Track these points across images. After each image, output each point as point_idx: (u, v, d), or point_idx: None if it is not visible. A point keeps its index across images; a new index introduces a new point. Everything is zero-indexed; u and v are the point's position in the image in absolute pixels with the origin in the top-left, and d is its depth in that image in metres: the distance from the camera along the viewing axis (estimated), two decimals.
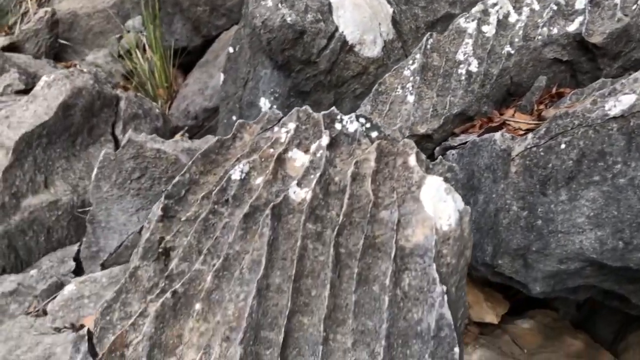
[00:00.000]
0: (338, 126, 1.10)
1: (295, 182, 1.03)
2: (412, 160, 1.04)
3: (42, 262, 2.87)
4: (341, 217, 0.98)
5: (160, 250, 1.06)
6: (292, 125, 1.09)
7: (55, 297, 2.42)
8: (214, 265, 1.02)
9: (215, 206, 1.05)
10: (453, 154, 1.79)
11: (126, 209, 2.12)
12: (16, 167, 2.83)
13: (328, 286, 0.94)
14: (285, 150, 1.07)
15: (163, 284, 1.04)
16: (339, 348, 0.96)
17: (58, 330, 1.99)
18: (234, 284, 0.99)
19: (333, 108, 1.10)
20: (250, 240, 1.02)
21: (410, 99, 1.87)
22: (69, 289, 2.01)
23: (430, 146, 1.91)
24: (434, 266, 0.96)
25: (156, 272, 1.06)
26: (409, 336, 0.97)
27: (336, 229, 0.97)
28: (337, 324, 0.97)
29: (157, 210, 1.08)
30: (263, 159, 1.08)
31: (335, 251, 0.97)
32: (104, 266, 2.24)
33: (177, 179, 1.08)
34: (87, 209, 2.67)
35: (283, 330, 0.96)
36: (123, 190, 2.08)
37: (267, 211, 0.99)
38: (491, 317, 2.18)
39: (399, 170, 1.04)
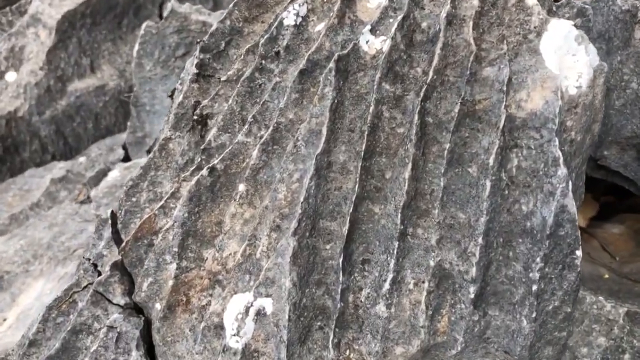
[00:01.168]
0: None
1: (368, 27, 0.76)
2: None
3: (90, 150, 2.76)
4: (430, 75, 0.72)
5: (195, 117, 0.84)
6: None
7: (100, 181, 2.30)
8: (261, 137, 0.79)
9: (263, 61, 0.80)
10: None
11: (171, 90, 1.91)
12: (60, 48, 2.64)
13: (409, 166, 0.70)
14: None
15: (199, 159, 0.82)
16: (419, 245, 0.74)
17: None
18: (286, 160, 0.76)
19: None
20: (307, 105, 0.78)
21: None
22: (113, 175, 1.87)
23: None
24: (556, 142, 0.70)
25: (191, 145, 0.84)
26: (514, 234, 0.73)
27: (422, 91, 0.71)
28: (419, 215, 0.74)
29: (190, 67, 0.85)
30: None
31: (420, 120, 0.71)
32: (149, 152, 2.07)
33: (214, 26, 0.83)
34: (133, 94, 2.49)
35: (348, 220, 0.74)
36: (167, 69, 1.86)
37: (331, 65, 0.74)
38: (578, 220, 1.91)
39: (511, 11, 0.75)
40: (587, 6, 0.75)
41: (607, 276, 1.65)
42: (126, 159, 2.69)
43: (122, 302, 0.83)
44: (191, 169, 0.83)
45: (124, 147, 2.74)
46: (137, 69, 1.85)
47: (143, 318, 0.82)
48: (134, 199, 0.86)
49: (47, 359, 0.84)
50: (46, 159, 2.75)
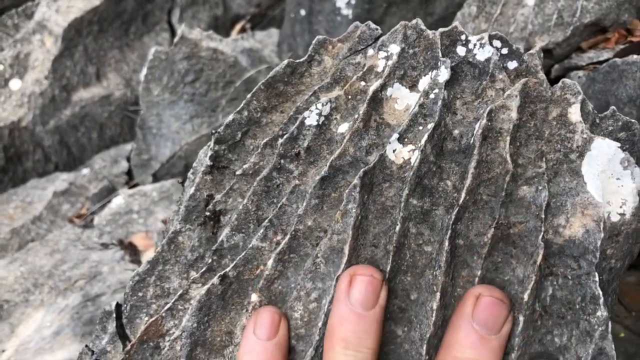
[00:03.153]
0: (461, 51, 0.75)
1: (395, 136, 0.71)
2: (574, 113, 0.70)
3: (94, 161, 2.71)
4: (462, 196, 0.67)
5: (207, 213, 0.79)
6: (394, 49, 0.75)
7: (104, 205, 2.26)
8: (277, 243, 0.75)
9: (282, 161, 0.75)
10: (580, 77, 1.40)
11: (179, 115, 1.87)
12: (66, 56, 2.60)
13: (437, 295, 0.66)
14: (384, 86, 0.75)
15: (210, 260, 0.78)
16: None
17: (105, 246, 1.84)
18: (305, 277, 0.71)
19: (455, 25, 0.75)
20: (328, 212, 0.73)
21: (530, 1, 1.46)
22: (117, 202, 1.82)
23: (546, 63, 1.52)
24: (596, 277, 0.65)
25: (202, 242, 0.80)
26: None
27: (454, 214, 0.66)
28: None
29: (204, 158, 0.80)
30: (350, 97, 0.76)
31: (450, 245, 0.67)
32: (155, 176, 2.03)
33: (231, 117, 0.78)
34: (138, 108, 2.44)
35: None
36: (175, 94, 1.81)
37: (356, 181, 0.69)
38: None
39: (552, 125, 0.70)
40: (633, 120, 0.69)
41: (622, 335, 1.60)
42: (130, 172, 2.65)
43: None
44: (202, 269, 0.78)
45: (128, 159, 2.70)
46: (144, 92, 1.80)
47: None
48: (140, 294, 0.82)
49: None
50: (49, 168, 2.72)
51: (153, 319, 0.78)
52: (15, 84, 2.60)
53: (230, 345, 0.75)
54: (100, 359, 0.83)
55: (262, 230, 0.75)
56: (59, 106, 2.61)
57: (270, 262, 0.73)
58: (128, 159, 2.67)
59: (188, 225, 0.81)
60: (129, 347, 0.79)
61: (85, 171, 2.61)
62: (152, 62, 1.84)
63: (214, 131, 0.80)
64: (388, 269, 0.69)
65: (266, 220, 0.75)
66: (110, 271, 1.77)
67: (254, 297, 0.74)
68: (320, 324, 0.69)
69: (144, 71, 1.90)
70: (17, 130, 2.53)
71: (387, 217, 0.70)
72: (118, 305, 0.84)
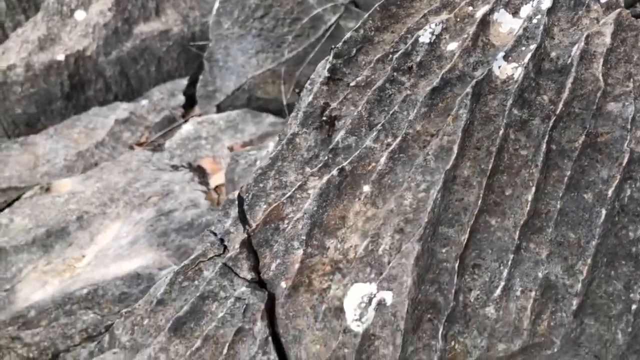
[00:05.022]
0: None
1: (502, 54, 0.82)
2: None
3: (152, 93, 2.84)
4: (559, 107, 0.78)
5: (324, 118, 0.91)
6: None
7: (169, 131, 2.40)
8: (388, 145, 0.87)
9: (395, 73, 0.87)
10: None
11: (246, 49, 1.97)
12: None
13: (533, 189, 0.78)
14: (491, 11, 0.85)
15: (326, 158, 0.90)
16: (530, 258, 0.82)
17: (175, 168, 1.98)
18: (415, 171, 0.84)
19: None
20: (435, 120, 0.85)
21: None
22: (187, 128, 1.96)
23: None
24: None
25: (317, 143, 0.92)
26: (618, 256, 0.81)
27: (551, 121, 0.78)
28: (533, 232, 0.82)
29: (322, 70, 0.92)
30: (458, 19, 0.86)
31: (546, 148, 0.78)
32: (219, 107, 2.16)
33: (348, 35, 0.89)
34: (200, 43, 2.54)
35: (468, 229, 0.83)
36: (244, 29, 1.91)
37: (468, 89, 0.80)
38: None
39: None
40: None
41: None
42: (186, 105, 2.78)
43: (248, 277, 0.93)
44: (318, 165, 0.91)
45: (185, 93, 2.82)
46: (214, 26, 1.90)
47: (267, 293, 0.92)
48: (261, 185, 0.95)
49: (176, 319, 0.95)
50: (109, 98, 2.85)
51: (275, 204, 0.92)
52: (80, 14, 2.71)
53: (343, 228, 0.88)
54: (224, 239, 0.97)
55: (374, 133, 0.87)
56: (120, 38, 2.72)
57: (382, 160, 0.86)
58: (184, 93, 2.79)
59: (305, 128, 0.93)
60: (253, 226, 0.93)
61: (144, 102, 2.74)
62: None
63: (333, 47, 0.92)
64: (490, 167, 0.81)
65: (379, 125, 0.87)
66: (181, 190, 1.92)
67: (366, 188, 0.87)
68: (428, 210, 0.81)
69: (216, 5, 2.00)
70: (82, 59, 2.65)
71: (489, 124, 0.82)
72: (240, 196, 0.98)
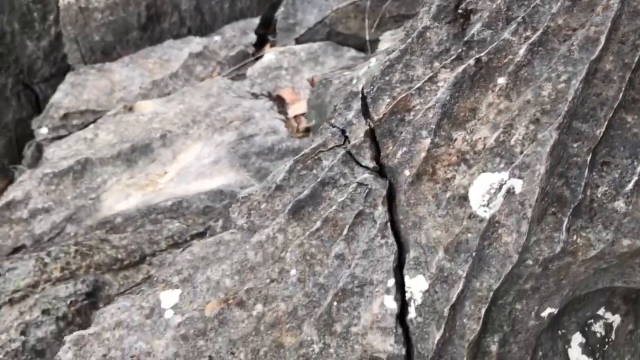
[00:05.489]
0: None
1: None
2: None
3: (225, 30, 2.87)
4: None
5: (459, 11, 0.92)
6: None
7: (245, 64, 2.43)
8: (527, 38, 0.87)
9: None
10: None
11: None
12: None
13: None
14: None
15: (459, 51, 0.92)
16: None
17: (255, 96, 2.01)
18: (557, 62, 0.84)
19: None
20: (577, 14, 0.84)
21: None
22: (269, 57, 1.98)
23: None
24: None
25: (449, 36, 0.93)
26: None
27: None
28: None
29: None
30: None
31: None
32: (298, 41, 2.17)
33: None
34: None
35: (605, 124, 0.83)
36: None
37: None
38: None
39: None
40: None
41: None
42: (258, 44, 2.80)
43: (370, 165, 0.96)
44: (450, 58, 0.92)
45: (256, 32, 2.84)
46: None
47: (387, 181, 0.95)
48: (387, 78, 0.97)
49: (296, 202, 0.99)
50: (182, 32, 2.89)
51: (402, 96, 0.94)
52: None
53: (472, 120, 0.90)
54: (345, 130, 1.00)
55: (513, 26, 0.88)
56: None
57: (521, 52, 0.86)
58: (256, 32, 2.81)
59: (437, 22, 0.94)
60: (377, 118, 0.95)
61: (217, 38, 2.77)
62: None
63: None
64: (634, 61, 0.81)
65: (518, 18, 0.88)
66: (261, 117, 1.96)
67: (501, 80, 0.88)
68: (569, 99, 0.82)
69: None
70: None
71: (637, 18, 0.82)
72: (363, 90, 1.00)
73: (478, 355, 0.94)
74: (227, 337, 0.96)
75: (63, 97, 2.54)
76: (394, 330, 0.90)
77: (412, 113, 0.93)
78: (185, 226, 1.71)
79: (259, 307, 0.97)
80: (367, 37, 2.00)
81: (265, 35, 2.96)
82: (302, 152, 1.02)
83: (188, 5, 2.78)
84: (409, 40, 0.95)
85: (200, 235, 1.69)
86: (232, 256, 1.01)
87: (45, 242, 1.87)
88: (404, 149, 0.93)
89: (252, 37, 2.79)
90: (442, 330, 0.88)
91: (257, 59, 2.68)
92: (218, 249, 1.03)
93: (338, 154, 0.98)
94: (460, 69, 0.88)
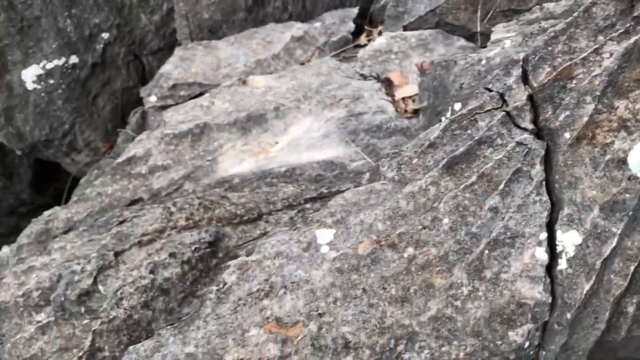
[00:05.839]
0: None
1: None
2: None
3: (324, 17, 2.97)
4: None
5: None
6: None
7: (346, 49, 2.52)
8: None
9: None
10: None
11: None
12: None
13: None
14: None
15: (627, 25, 0.98)
16: None
17: (364, 77, 2.11)
18: None
19: None
20: None
21: None
22: (380, 41, 2.07)
23: None
24: None
25: (616, 12, 1.00)
26: None
27: None
28: None
29: None
30: None
31: None
32: (405, 28, 2.26)
33: None
34: None
35: None
36: None
37: None
38: None
39: None
40: None
41: None
42: (356, 32, 2.90)
43: (529, 127, 1.04)
44: (617, 32, 0.99)
45: (355, 21, 2.94)
46: None
47: (545, 142, 1.02)
48: (549, 48, 1.04)
49: (451, 158, 1.07)
50: (284, 17, 3.01)
51: (566, 65, 1.01)
52: None
53: (636, 90, 0.96)
54: (504, 94, 1.08)
55: None
56: None
57: None
58: (354, 21, 2.92)
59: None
60: (538, 84, 1.03)
61: (317, 24, 2.89)
62: None
63: None
64: None
65: None
66: (370, 97, 2.05)
67: None
68: None
69: None
70: None
71: None
72: (525, 57, 1.08)
73: (615, 314, 0.99)
74: (379, 273, 1.05)
75: (173, 69, 2.70)
76: (543, 280, 0.97)
77: (574, 81, 1.00)
78: (299, 190, 1.81)
79: (410, 250, 1.05)
80: (478, 29, 2.07)
81: (362, 25, 3.06)
82: (458, 113, 1.10)
83: None
84: (575, 14, 1.02)
85: (313, 200, 1.80)
86: (384, 203, 1.10)
87: (162, 196, 2.01)
88: (566, 112, 1.00)
89: (350, 26, 2.90)
90: (591, 282, 0.95)
91: (356, 46, 2.78)
92: (369, 197, 1.12)
93: (496, 115, 1.06)
94: (631, 40, 0.95)
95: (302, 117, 2.08)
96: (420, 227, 1.05)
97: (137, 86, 3.07)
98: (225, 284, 1.08)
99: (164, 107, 2.75)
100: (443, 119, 1.12)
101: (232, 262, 1.10)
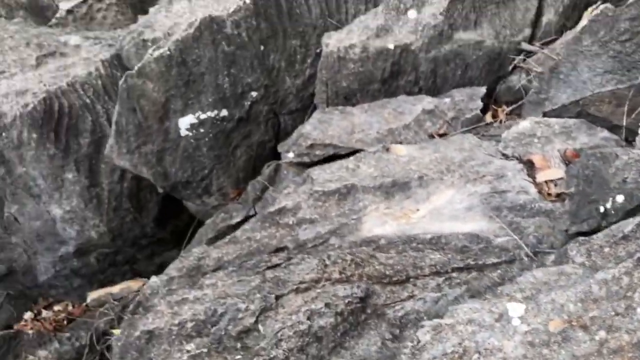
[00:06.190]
0: None
1: None
2: None
3: (453, 94, 3.14)
4: None
5: None
6: None
7: (472, 129, 2.65)
8: None
9: None
10: None
11: (594, 67, 2.16)
12: (460, 0, 3.02)
13: None
14: None
15: None
16: None
17: (506, 156, 2.22)
18: None
19: None
20: None
21: None
22: (523, 125, 2.19)
23: None
24: None
25: None
26: None
27: None
28: None
29: None
30: None
31: None
32: (545, 114, 2.37)
33: None
34: (528, 47, 2.75)
35: None
36: (603, 48, 2.10)
37: None
38: None
39: None
40: None
41: None
42: (484, 110, 3.03)
43: None
44: None
45: (482, 100, 3.09)
46: (573, 41, 2.12)
47: None
48: None
49: None
50: (414, 90, 3.20)
51: None
52: (412, 13, 3.10)
53: None
54: None
55: None
56: (442, 40, 3.06)
57: None
58: (481, 99, 3.06)
59: None
60: None
61: (446, 100, 3.05)
62: (596, 17, 2.14)
63: None
64: None
65: None
66: (513, 176, 2.16)
67: None
68: None
69: (583, 22, 2.21)
70: (406, 51, 3.02)
71: None
72: None
73: None
74: (570, 351, 1.12)
75: (312, 130, 2.92)
76: None
77: None
78: (446, 259, 1.92)
79: (602, 333, 1.12)
80: (624, 123, 2.15)
81: (487, 104, 3.21)
82: None
83: (426, 67, 3.10)
84: None
85: (460, 270, 1.89)
86: (576, 286, 1.18)
87: (308, 247, 2.16)
88: None
89: (479, 104, 3.04)
90: None
91: (487, 124, 2.92)
92: (559, 278, 1.21)
93: None
94: None
95: (445, 188, 2.20)
96: (613, 313, 1.13)
97: (270, 141, 3.31)
98: (419, 341, 1.19)
99: (300, 164, 2.96)
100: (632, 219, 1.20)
101: (427, 323, 1.21)
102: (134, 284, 3.77)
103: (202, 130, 2.94)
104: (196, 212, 3.50)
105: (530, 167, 2.19)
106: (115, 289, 3.68)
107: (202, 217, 3.46)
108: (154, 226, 3.63)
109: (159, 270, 4.10)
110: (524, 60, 2.92)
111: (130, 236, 3.56)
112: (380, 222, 2.14)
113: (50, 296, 3.90)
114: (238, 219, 3.14)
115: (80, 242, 3.36)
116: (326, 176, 2.32)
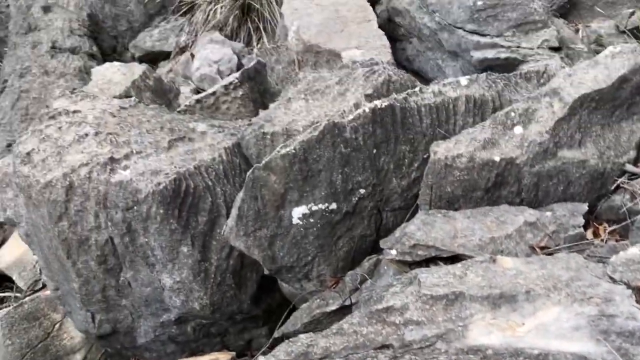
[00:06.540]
0: None
1: None
2: None
3: (554, 208, 3.22)
4: None
5: None
6: None
7: (580, 244, 2.71)
8: None
9: None
10: None
11: None
12: (566, 121, 3.16)
13: None
14: None
15: None
16: None
17: (613, 280, 2.27)
18: None
19: None
20: None
21: None
22: (633, 251, 2.24)
23: None
24: None
25: None
26: None
27: None
28: None
29: None
30: None
31: None
32: None
33: None
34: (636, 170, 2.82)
35: None
36: None
37: None
38: None
39: None
40: None
41: None
42: (584, 226, 3.08)
43: None
44: None
45: (584, 217, 3.14)
46: None
47: None
48: None
49: None
50: (515, 201, 3.30)
51: None
52: (518, 129, 3.27)
53: None
54: None
55: None
56: (546, 157, 3.19)
57: None
58: (583, 216, 3.13)
59: None
60: None
61: (548, 213, 3.14)
62: None
63: None
64: None
65: None
66: (621, 301, 2.20)
67: None
68: None
69: None
70: (510, 164, 3.17)
71: None
72: None
73: None
74: None
75: (416, 230, 3.07)
76: None
77: None
78: None
79: None
80: None
81: (588, 220, 3.26)
82: None
83: (529, 180, 3.22)
84: None
85: None
86: None
87: (414, 348, 2.26)
88: None
89: (580, 220, 3.11)
90: None
91: (590, 243, 2.97)
92: None
93: None
94: None
95: (552, 305, 2.27)
96: None
97: (371, 235, 3.48)
98: None
99: (401, 262, 3.10)
100: None
101: None
102: (222, 357, 3.94)
103: (311, 220, 3.16)
104: (289, 294, 3.67)
105: (638, 293, 2.22)
106: (205, 358, 3.85)
107: (293, 299, 3.62)
108: (250, 303, 3.82)
109: (247, 345, 4.27)
110: (628, 182, 3.00)
111: (228, 310, 3.76)
112: (486, 331, 2.22)
113: (143, 358, 4.11)
114: (333, 307, 3.28)
115: (183, 311, 3.58)
116: (434, 280, 2.44)
